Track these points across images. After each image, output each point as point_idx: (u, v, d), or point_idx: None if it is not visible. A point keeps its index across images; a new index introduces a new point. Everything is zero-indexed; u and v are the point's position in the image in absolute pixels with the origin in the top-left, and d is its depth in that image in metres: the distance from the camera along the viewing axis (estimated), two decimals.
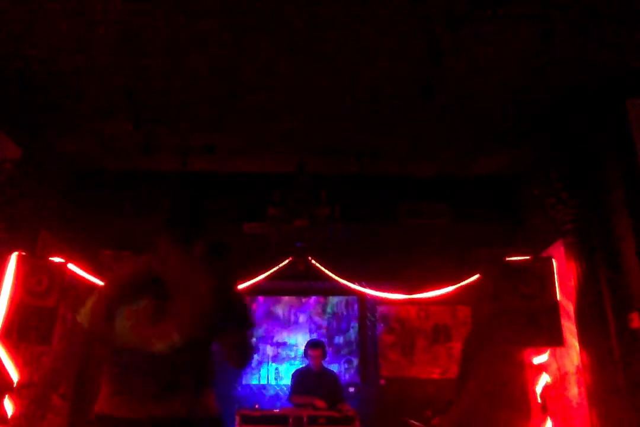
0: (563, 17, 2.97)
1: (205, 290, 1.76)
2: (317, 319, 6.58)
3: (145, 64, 3.43)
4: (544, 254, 4.43)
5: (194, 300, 1.78)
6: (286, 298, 6.65)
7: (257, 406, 5.49)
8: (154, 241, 1.96)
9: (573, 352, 4.08)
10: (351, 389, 6.08)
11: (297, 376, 5.29)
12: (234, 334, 1.88)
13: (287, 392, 5.36)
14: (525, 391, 4.91)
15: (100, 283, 4.91)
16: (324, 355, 5.32)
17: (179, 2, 2.89)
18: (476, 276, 5.22)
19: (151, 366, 1.75)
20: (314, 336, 6.37)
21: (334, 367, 6.13)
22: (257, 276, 5.49)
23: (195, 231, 1.98)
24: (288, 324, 6.54)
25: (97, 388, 1.84)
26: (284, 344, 6.46)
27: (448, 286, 5.59)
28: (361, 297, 6.45)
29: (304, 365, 5.50)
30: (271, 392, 6.19)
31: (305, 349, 5.40)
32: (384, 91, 3.75)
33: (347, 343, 6.48)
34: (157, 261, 1.92)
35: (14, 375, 3.85)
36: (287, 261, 5.43)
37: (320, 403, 4.82)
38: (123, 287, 1.86)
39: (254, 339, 6.32)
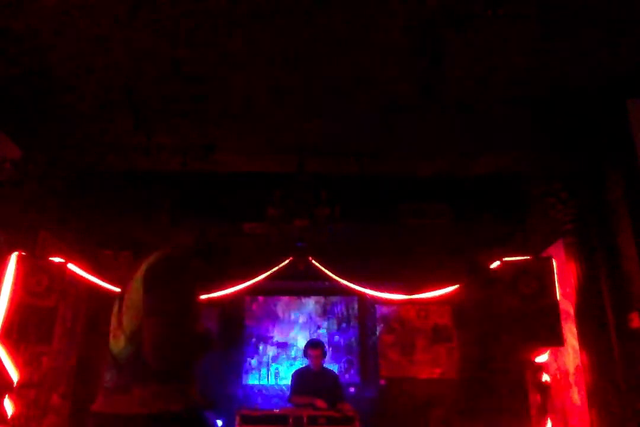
0: (563, 17, 2.97)
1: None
2: (317, 319, 6.59)
3: (145, 64, 3.43)
4: (544, 254, 4.43)
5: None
6: (286, 298, 6.66)
7: (257, 406, 5.50)
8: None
9: (573, 352, 4.08)
10: (351, 389, 6.09)
11: (297, 376, 5.29)
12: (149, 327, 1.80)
13: (287, 393, 5.36)
14: (526, 391, 4.92)
15: (101, 283, 4.93)
16: (323, 355, 5.32)
17: (179, 3, 2.89)
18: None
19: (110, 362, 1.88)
20: (314, 336, 6.37)
21: (334, 367, 6.13)
22: (257, 276, 5.49)
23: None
24: (288, 324, 6.54)
25: (97, 388, 1.87)
26: (284, 344, 6.47)
27: (448, 286, 5.60)
28: (361, 297, 6.45)
29: (303, 365, 5.50)
30: (271, 392, 6.19)
31: (305, 349, 5.40)
32: (384, 91, 3.75)
33: (347, 343, 6.48)
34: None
35: (14, 375, 3.86)
36: (287, 261, 5.43)
37: (321, 403, 4.82)
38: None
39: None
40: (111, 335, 1.91)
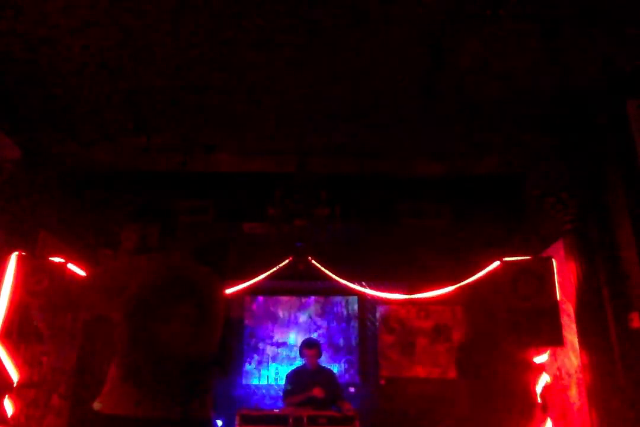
0: (563, 17, 2.97)
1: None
2: (317, 319, 6.59)
3: (145, 64, 3.43)
4: (544, 254, 4.43)
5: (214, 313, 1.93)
6: (286, 298, 6.66)
7: (257, 406, 5.50)
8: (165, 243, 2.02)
9: (573, 352, 4.08)
10: (351, 389, 6.09)
11: (292, 377, 5.24)
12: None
13: (282, 394, 5.29)
14: (526, 391, 4.91)
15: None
16: (319, 354, 5.30)
17: (179, 3, 2.89)
18: (476, 276, 5.22)
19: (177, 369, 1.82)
20: (314, 336, 6.37)
21: (334, 367, 6.13)
22: (257, 276, 5.49)
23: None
24: (288, 324, 6.54)
25: (97, 388, 1.85)
26: (284, 344, 6.47)
27: (448, 286, 5.60)
28: (361, 297, 6.45)
29: (299, 365, 5.47)
30: (271, 392, 6.19)
31: (300, 349, 5.38)
32: (385, 91, 3.75)
33: (347, 343, 6.48)
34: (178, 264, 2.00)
35: (14, 375, 3.86)
36: (287, 261, 5.43)
37: (317, 392, 4.80)
38: (156, 287, 1.90)
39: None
40: (160, 335, 1.83)
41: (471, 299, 6.15)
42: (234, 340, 5.43)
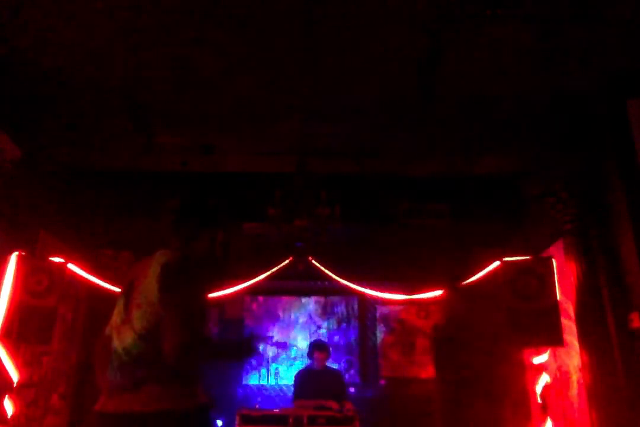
0: (563, 17, 2.97)
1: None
2: (317, 319, 6.59)
3: (145, 64, 3.43)
4: (544, 254, 4.43)
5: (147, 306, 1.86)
6: (286, 298, 6.66)
7: (257, 406, 5.49)
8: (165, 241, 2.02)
9: (573, 352, 4.08)
10: (351, 389, 6.08)
11: (299, 377, 5.24)
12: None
13: (291, 395, 5.30)
14: (525, 391, 4.92)
15: (101, 283, 4.93)
16: (328, 356, 5.28)
17: (180, 3, 2.89)
18: (476, 277, 5.22)
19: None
20: (314, 336, 6.37)
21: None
22: (257, 276, 5.49)
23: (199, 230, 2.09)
24: (288, 324, 6.54)
25: (97, 388, 1.86)
26: (284, 344, 6.47)
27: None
28: (361, 297, 6.45)
29: (305, 366, 5.46)
30: (271, 392, 6.19)
31: (310, 351, 5.31)
32: (384, 91, 3.75)
33: (347, 343, 6.48)
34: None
35: (14, 375, 3.86)
36: (287, 261, 5.43)
37: (333, 404, 4.77)
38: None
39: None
40: (114, 332, 1.90)
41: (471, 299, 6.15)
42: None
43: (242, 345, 2.07)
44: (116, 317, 1.94)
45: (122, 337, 1.86)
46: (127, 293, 1.94)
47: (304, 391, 5.05)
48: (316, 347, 5.31)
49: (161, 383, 1.77)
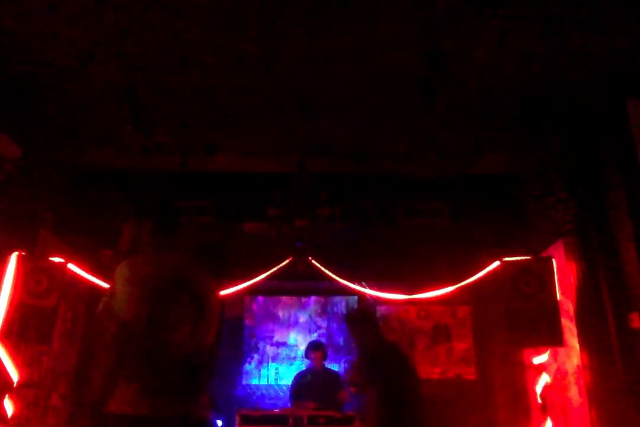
0: (563, 17, 2.97)
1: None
2: (317, 319, 6.58)
3: (146, 64, 3.43)
4: (544, 254, 4.43)
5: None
6: (286, 298, 6.65)
7: (257, 406, 5.50)
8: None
9: (573, 352, 4.08)
10: (351, 389, 6.08)
11: (297, 380, 5.29)
12: None
13: (288, 395, 5.34)
14: (525, 391, 4.91)
15: (101, 283, 4.93)
16: (324, 356, 5.32)
17: (180, 4, 2.89)
18: (476, 277, 5.21)
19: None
20: (314, 336, 6.37)
21: (334, 367, 6.13)
22: (257, 276, 5.48)
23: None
24: (288, 324, 6.54)
25: (97, 388, 1.86)
26: (284, 344, 6.46)
27: (448, 286, 5.59)
28: (361, 297, 6.44)
29: (304, 368, 5.48)
30: (271, 392, 6.19)
31: (306, 351, 5.39)
32: (384, 91, 3.75)
33: (347, 343, 6.47)
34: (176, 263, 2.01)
35: (14, 375, 3.85)
36: (287, 261, 5.43)
37: (310, 405, 4.83)
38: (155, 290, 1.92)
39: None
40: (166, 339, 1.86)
41: (471, 299, 6.15)
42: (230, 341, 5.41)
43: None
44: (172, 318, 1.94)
45: (176, 343, 1.87)
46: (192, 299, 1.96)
47: (302, 392, 5.07)
48: (310, 347, 5.36)
49: (198, 390, 1.82)
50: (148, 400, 1.75)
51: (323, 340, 6.28)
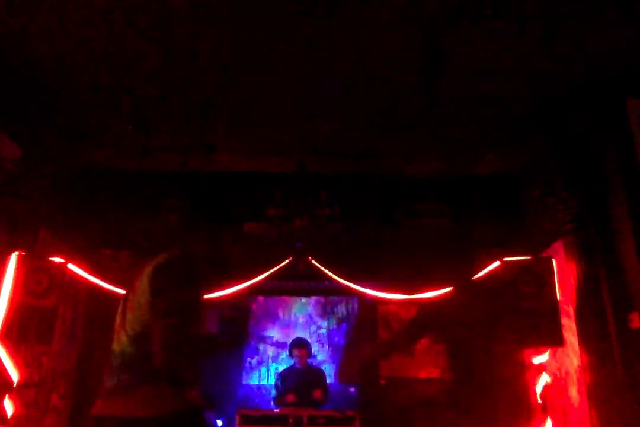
0: (563, 17, 2.97)
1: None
2: (317, 319, 6.58)
3: (145, 63, 3.43)
4: (544, 254, 4.43)
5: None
6: (286, 298, 6.65)
7: (257, 406, 5.50)
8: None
9: (573, 352, 4.08)
10: (351, 389, 6.08)
11: (280, 378, 5.32)
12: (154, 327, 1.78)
13: (273, 394, 5.34)
14: (525, 391, 4.91)
15: (101, 283, 4.93)
16: (309, 354, 5.33)
17: (180, 4, 2.89)
18: (476, 277, 5.21)
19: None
20: (314, 336, 6.37)
21: (334, 367, 6.13)
22: (257, 276, 5.48)
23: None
24: (288, 324, 6.54)
25: (97, 388, 1.86)
26: (284, 344, 6.46)
27: (448, 286, 5.59)
28: (361, 297, 6.44)
29: (289, 365, 5.48)
30: (271, 392, 6.18)
31: (290, 349, 5.39)
32: (384, 91, 3.75)
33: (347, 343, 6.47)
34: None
35: (14, 375, 3.85)
36: (287, 261, 5.43)
37: (291, 398, 4.86)
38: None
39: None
40: (115, 334, 1.90)
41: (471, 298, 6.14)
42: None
43: (228, 335, 2.06)
44: (117, 319, 1.94)
45: (119, 340, 1.86)
46: (126, 295, 1.95)
47: (285, 389, 5.07)
48: (294, 344, 5.36)
49: (150, 387, 1.76)
50: (108, 399, 1.81)
51: (324, 340, 6.28)
